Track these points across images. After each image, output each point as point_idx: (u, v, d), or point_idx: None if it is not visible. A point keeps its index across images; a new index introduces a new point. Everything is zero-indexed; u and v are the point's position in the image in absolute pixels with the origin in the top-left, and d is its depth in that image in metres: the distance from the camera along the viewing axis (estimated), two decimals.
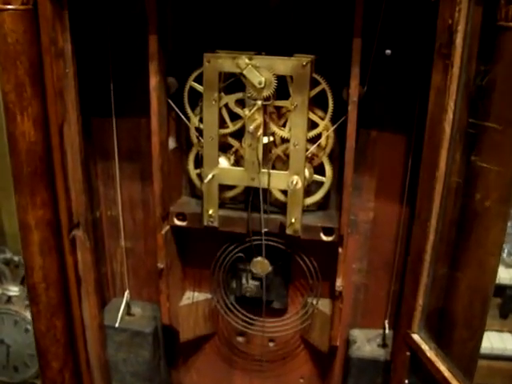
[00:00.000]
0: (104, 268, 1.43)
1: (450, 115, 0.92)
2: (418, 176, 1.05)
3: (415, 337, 1.09)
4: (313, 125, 1.13)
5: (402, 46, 1.07)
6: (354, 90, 1.04)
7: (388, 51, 1.07)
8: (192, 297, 1.41)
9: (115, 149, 1.29)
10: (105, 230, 1.41)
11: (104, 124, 1.28)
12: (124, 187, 1.35)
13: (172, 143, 1.25)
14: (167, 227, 1.26)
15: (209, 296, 1.40)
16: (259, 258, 1.25)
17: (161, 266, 1.26)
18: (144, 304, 1.46)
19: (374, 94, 1.11)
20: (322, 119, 1.12)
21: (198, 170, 1.24)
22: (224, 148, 1.20)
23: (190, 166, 1.25)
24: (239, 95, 1.12)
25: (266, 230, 1.19)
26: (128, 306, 1.43)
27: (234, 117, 1.15)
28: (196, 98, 1.16)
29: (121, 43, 1.20)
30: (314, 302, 1.31)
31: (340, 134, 1.14)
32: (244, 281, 1.32)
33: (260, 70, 1.05)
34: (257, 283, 1.31)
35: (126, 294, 1.43)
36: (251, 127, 1.08)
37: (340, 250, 1.17)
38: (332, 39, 1.11)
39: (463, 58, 0.89)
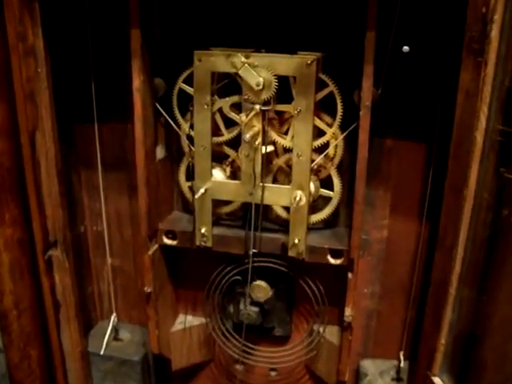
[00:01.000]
0: (90, 288, 1.33)
1: (482, 122, 0.79)
2: (439, 191, 0.93)
3: (436, 380, 0.95)
4: (319, 132, 1.02)
5: (422, 40, 0.96)
6: (366, 93, 0.92)
7: (406, 47, 0.96)
8: (185, 321, 1.29)
9: (98, 157, 1.18)
10: (90, 246, 1.31)
11: (87, 130, 1.19)
12: (110, 200, 1.25)
13: (161, 152, 1.13)
14: (155, 246, 1.14)
15: (204, 320, 1.28)
16: (258, 282, 1.13)
17: (148, 289, 1.14)
18: (133, 328, 1.35)
19: (390, 98, 1.01)
20: (330, 126, 1.01)
21: (190, 183, 1.12)
22: (219, 158, 1.08)
23: (181, 178, 1.13)
24: (235, 98, 1.00)
25: (254, 250, 1.07)
26: (115, 330, 1.33)
27: (230, 123, 1.04)
28: (187, 102, 1.04)
29: (103, 39, 1.09)
30: (321, 330, 1.18)
31: (350, 143, 1.02)
32: (242, 306, 1.19)
33: (258, 70, 0.93)
34: (256, 309, 1.19)
35: (113, 317, 1.32)
36: (247, 135, 0.95)
37: (350, 275, 1.05)
38: (341, 34, 1.00)
39: (499, 54, 0.75)
